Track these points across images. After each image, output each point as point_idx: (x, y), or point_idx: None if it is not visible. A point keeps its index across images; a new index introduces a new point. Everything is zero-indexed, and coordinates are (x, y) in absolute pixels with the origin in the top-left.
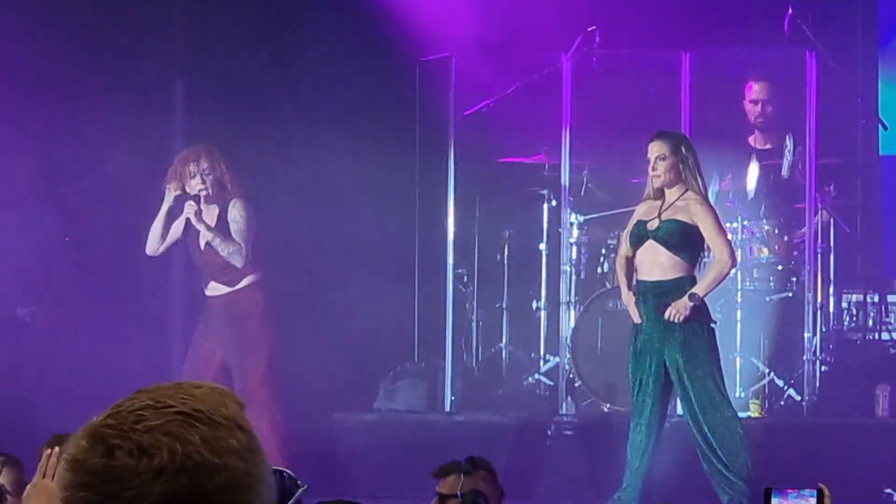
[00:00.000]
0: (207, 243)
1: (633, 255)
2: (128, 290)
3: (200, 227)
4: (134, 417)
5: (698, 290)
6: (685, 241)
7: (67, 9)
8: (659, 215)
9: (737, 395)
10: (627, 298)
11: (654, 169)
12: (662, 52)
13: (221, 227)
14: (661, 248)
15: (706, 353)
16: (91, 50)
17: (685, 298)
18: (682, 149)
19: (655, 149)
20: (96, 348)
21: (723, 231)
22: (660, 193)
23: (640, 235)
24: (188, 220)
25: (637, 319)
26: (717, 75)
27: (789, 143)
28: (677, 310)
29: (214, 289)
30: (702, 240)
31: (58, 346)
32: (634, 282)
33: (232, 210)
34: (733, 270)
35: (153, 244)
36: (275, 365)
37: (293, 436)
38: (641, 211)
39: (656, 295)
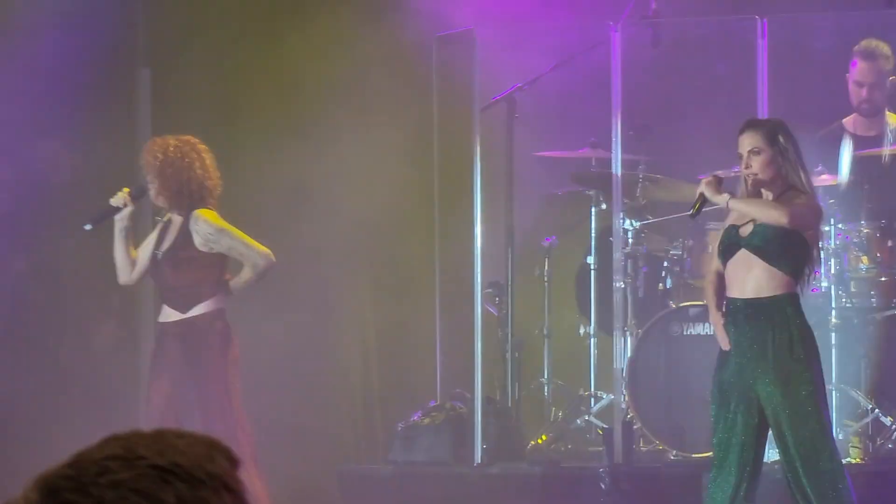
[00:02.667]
0: (162, 259)
1: (725, 269)
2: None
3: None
4: (97, 469)
5: (734, 200)
6: (785, 250)
7: None
8: (754, 219)
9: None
10: (715, 320)
11: (747, 166)
12: (733, 19)
13: (177, 244)
14: (756, 259)
15: (809, 387)
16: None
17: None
18: (781, 138)
19: (747, 142)
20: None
21: (819, 232)
22: (756, 194)
23: (730, 244)
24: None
25: (725, 346)
26: (799, 46)
27: (892, 121)
28: (707, 182)
29: (167, 314)
30: (807, 248)
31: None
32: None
33: (197, 223)
34: (784, 222)
35: (124, 271)
36: (239, 408)
37: (288, 495)
38: (734, 216)
39: (749, 316)
